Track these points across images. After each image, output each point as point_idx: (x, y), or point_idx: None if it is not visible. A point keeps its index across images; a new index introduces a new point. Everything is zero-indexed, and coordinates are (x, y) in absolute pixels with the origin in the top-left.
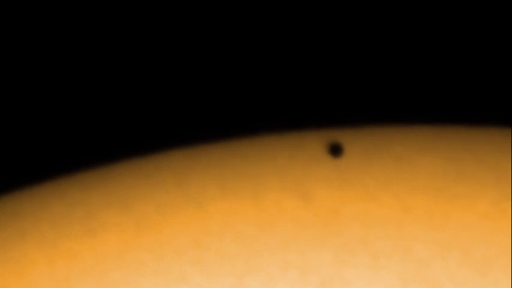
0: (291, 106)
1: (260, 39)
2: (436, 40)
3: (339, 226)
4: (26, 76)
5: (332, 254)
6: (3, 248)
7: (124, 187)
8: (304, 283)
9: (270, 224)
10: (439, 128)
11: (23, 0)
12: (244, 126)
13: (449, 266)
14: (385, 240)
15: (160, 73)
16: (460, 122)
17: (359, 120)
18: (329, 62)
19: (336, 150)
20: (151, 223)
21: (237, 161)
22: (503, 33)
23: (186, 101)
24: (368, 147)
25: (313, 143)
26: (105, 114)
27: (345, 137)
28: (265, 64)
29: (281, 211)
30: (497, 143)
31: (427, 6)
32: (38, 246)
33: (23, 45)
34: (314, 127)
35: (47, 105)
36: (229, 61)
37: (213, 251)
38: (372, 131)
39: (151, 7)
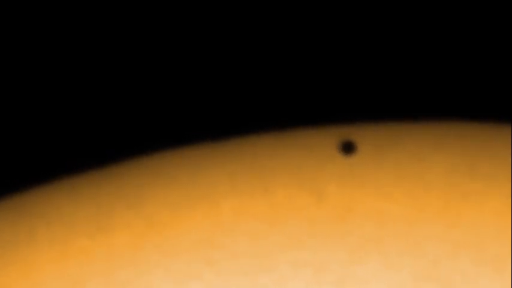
0: (303, 103)
1: (274, 36)
2: (447, 38)
3: (352, 224)
4: (36, 75)
5: (345, 252)
6: (14, 247)
7: (134, 185)
8: (317, 281)
9: (282, 221)
10: (452, 125)
11: (23, 0)
12: (255, 123)
13: (462, 264)
14: (398, 237)
15: (171, 71)
16: (473, 119)
17: (371, 117)
18: (341, 59)
19: (348, 148)
20: (162, 221)
21: (249, 158)
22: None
23: (197, 98)
24: (380, 144)
25: (326, 140)
26: (116, 112)
27: (357, 134)
28: (277, 61)
29: (293, 209)
30: (511, 139)
31: (432, 7)
32: (48, 245)
33: (41, 48)
34: (326, 124)
35: (56, 104)
36: (241, 58)
37: (225, 249)
38: (384, 128)
39: (155, 9)
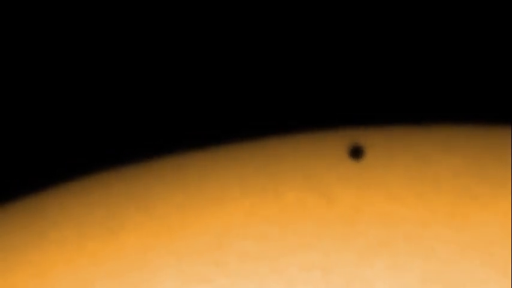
0: (313, 107)
1: (285, 42)
2: (455, 42)
3: (360, 226)
4: (49, 79)
5: (354, 254)
6: (25, 248)
7: (145, 188)
8: (326, 283)
9: (292, 223)
10: (460, 127)
11: (23, 0)
12: (266, 126)
13: (471, 266)
14: (406, 239)
15: (181, 74)
16: (482, 122)
17: (381, 120)
18: (351, 63)
19: (356, 153)
20: (172, 223)
21: (259, 161)
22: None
23: (208, 102)
24: (390, 147)
25: (335, 143)
26: (126, 115)
27: (366, 137)
28: (288, 66)
29: (303, 211)
30: None
31: (439, 15)
32: (59, 247)
33: (51, 51)
34: (336, 127)
35: (67, 108)
36: (252, 63)
37: (235, 250)
38: (393, 131)
39: (172, 11)
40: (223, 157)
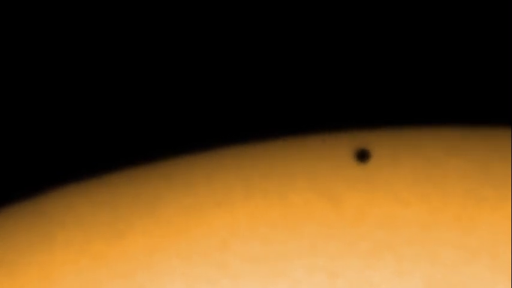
0: (319, 109)
1: (289, 42)
2: (462, 44)
3: (367, 229)
4: (54, 81)
5: (359, 257)
6: (31, 250)
7: (151, 189)
8: (331, 286)
9: (297, 226)
10: (467, 129)
11: (23, 0)
12: (271, 129)
13: (476, 270)
14: (412, 243)
15: (186, 77)
16: (489, 124)
17: (387, 122)
18: (356, 64)
19: (363, 155)
20: (178, 225)
21: (264, 163)
22: None
23: (213, 104)
24: (396, 149)
25: (340, 145)
26: (132, 116)
27: (372, 139)
28: (293, 68)
29: (308, 214)
30: None
31: (447, 19)
32: (65, 248)
33: (62, 55)
34: (341, 130)
35: (72, 108)
36: (258, 65)
37: (240, 253)
38: (399, 133)
39: (181, 14)
40: (229, 159)
